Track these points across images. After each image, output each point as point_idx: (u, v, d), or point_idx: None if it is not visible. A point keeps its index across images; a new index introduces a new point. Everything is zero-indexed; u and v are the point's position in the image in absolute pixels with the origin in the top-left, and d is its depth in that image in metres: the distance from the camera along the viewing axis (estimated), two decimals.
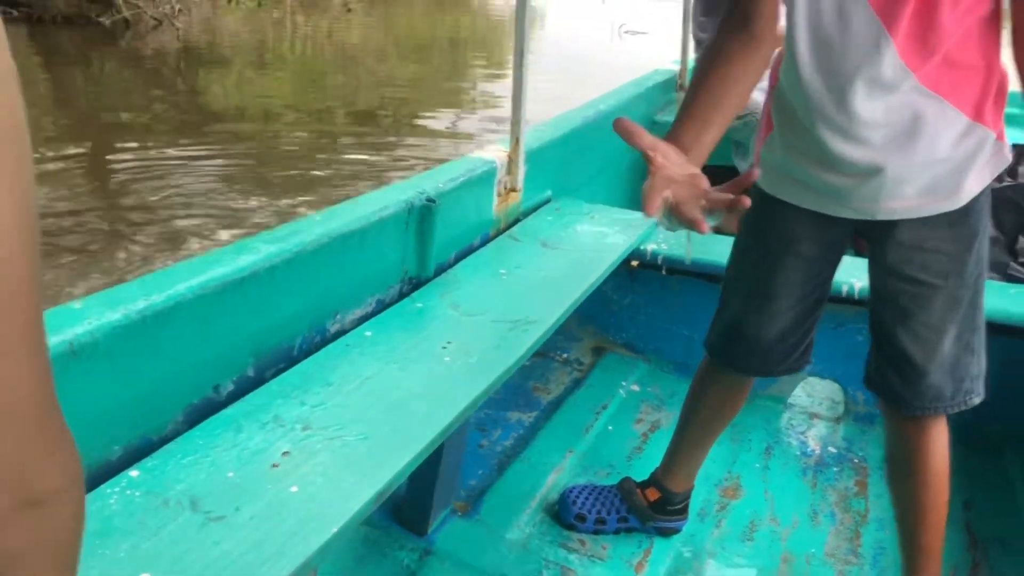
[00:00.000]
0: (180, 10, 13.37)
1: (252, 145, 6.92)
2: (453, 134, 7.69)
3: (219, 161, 6.31)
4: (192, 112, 8.21)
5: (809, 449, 2.26)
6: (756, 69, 1.22)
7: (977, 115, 1.26)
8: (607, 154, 3.04)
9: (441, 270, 1.98)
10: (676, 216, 1.07)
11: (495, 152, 2.22)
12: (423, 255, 1.90)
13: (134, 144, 6.62)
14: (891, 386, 1.47)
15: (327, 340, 1.65)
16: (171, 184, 5.64)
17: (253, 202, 5.48)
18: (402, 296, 1.85)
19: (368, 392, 1.43)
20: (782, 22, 1.32)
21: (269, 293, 1.50)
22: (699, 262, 2.34)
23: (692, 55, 3.84)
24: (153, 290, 1.28)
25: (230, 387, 1.44)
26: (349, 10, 17.00)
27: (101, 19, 12.48)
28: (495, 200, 2.21)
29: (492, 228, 2.22)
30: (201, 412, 1.38)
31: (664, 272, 2.45)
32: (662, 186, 1.05)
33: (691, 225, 1.06)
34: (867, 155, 1.27)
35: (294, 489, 1.18)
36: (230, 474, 1.20)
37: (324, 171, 6.28)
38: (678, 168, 1.07)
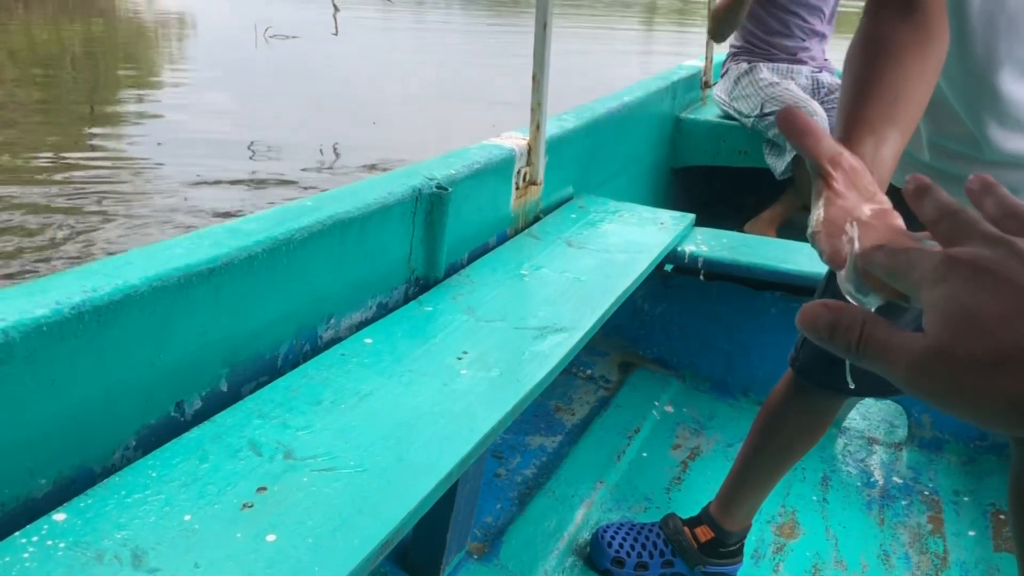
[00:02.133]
0: None
1: None
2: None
3: None
4: None
5: (871, 479, 1.97)
6: (934, 72, 0.86)
7: None
8: (631, 150, 2.77)
9: (453, 270, 1.70)
10: (870, 282, 0.52)
11: (513, 140, 1.95)
12: (432, 252, 1.63)
13: None
14: None
15: (319, 348, 1.37)
16: None
17: None
18: (408, 299, 1.58)
19: (367, 412, 1.15)
20: None
21: (249, 289, 1.23)
22: (742, 265, 2.07)
23: (717, 52, 3.60)
24: (96, 281, 1.01)
25: (197, 404, 1.17)
26: None
27: None
28: (513, 194, 1.94)
29: (509, 225, 1.95)
30: (159, 435, 1.10)
31: (702, 277, 2.18)
32: (842, 220, 0.56)
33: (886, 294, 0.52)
34: None
35: (271, 538, 0.90)
36: (187, 517, 0.92)
37: None
38: (862, 200, 0.60)
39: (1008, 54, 0.99)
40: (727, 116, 3.24)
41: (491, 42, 13.34)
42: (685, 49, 10.57)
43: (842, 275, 0.52)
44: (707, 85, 3.52)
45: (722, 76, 3.32)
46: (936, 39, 0.84)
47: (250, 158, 5.65)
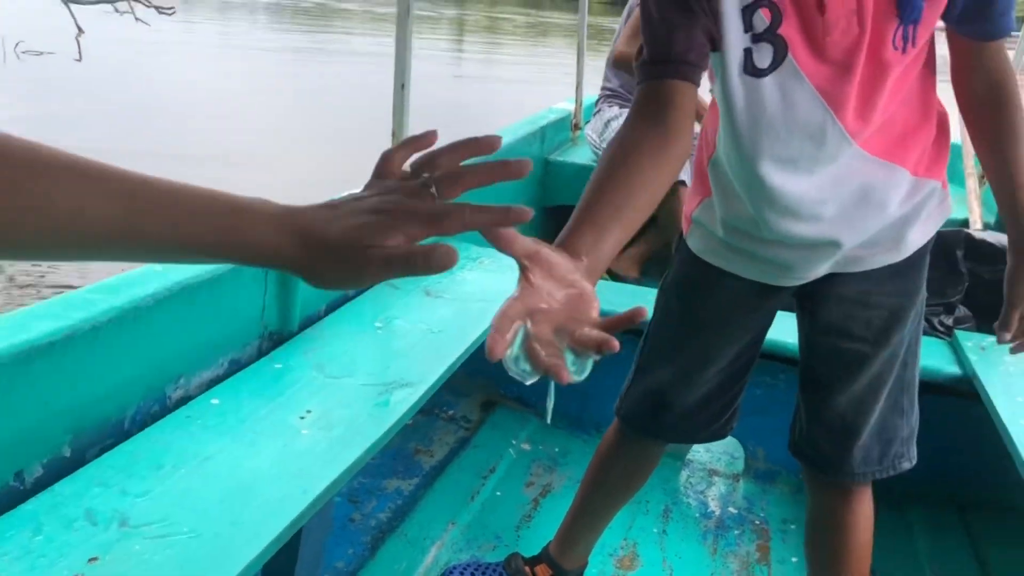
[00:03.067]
0: None
1: None
2: None
3: None
4: None
5: (709, 510, 2.13)
6: (669, 173, 0.98)
7: (921, 169, 1.20)
8: (500, 194, 2.88)
9: (309, 323, 1.77)
10: (533, 357, 0.68)
11: None
12: (286, 307, 1.69)
13: None
14: (820, 451, 1.40)
15: (168, 409, 1.42)
16: None
17: None
18: (261, 354, 1.64)
19: (206, 475, 1.22)
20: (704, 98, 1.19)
21: (94, 357, 1.27)
22: None
23: (587, 94, 3.76)
24: None
25: (38, 472, 1.21)
26: None
27: None
28: None
29: None
30: None
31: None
32: (519, 315, 0.69)
33: (548, 371, 0.67)
34: (819, 230, 1.19)
35: None
36: None
37: None
38: (558, 288, 0.73)
39: (770, 151, 1.13)
40: (597, 156, 3.40)
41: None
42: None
43: (507, 356, 0.67)
44: (577, 128, 3.68)
45: (594, 115, 3.46)
46: (677, 144, 0.99)
47: None
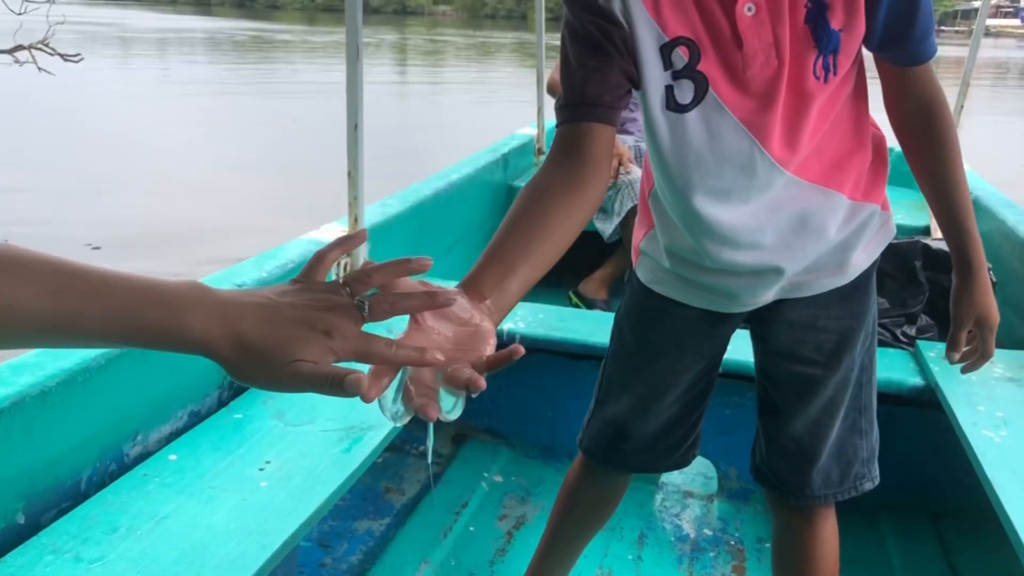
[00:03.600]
0: None
1: None
2: None
3: None
4: None
5: (684, 533, 2.13)
6: (580, 214, 0.98)
7: (858, 193, 1.21)
8: (462, 225, 2.90)
9: None
10: (406, 398, 0.69)
11: (331, 232, 2.04)
12: None
13: None
14: (780, 476, 1.41)
15: (126, 467, 1.41)
16: None
17: None
18: (221, 404, 1.63)
19: (162, 536, 1.20)
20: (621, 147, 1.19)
21: (44, 421, 1.26)
22: (557, 340, 2.20)
23: (548, 119, 3.78)
24: None
25: None
26: None
27: None
28: None
29: None
30: None
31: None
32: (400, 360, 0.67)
33: (418, 411, 0.68)
34: (758, 257, 1.20)
35: None
36: None
37: None
38: (450, 327, 0.75)
39: (701, 183, 1.14)
40: None
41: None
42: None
43: (381, 398, 0.68)
44: (540, 152, 3.70)
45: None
46: (590, 186, 0.99)
47: None
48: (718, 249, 1.20)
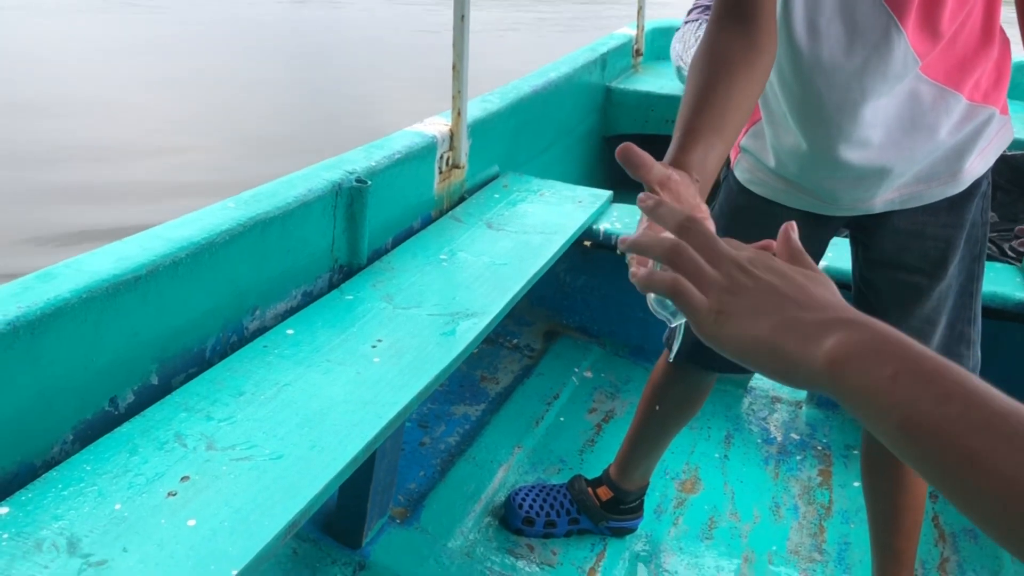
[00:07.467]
0: None
1: None
2: None
3: None
4: None
5: (771, 436, 2.15)
6: (760, 81, 0.97)
7: (978, 95, 1.18)
8: (559, 125, 2.88)
9: (377, 256, 1.82)
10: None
11: (436, 126, 2.06)
12: (355, 241, 1.74)
13: None
14: None
15: (245, 340, 1.49)
16: None
17: None
18: (332, 286, 1.70)
19: (284, 402, 1.28)
20: None
21: (175, 291, 1.34)
22: None
23: (649, 20, 3.69)
24: (29, 297, 1.12)
25: (130, 398, 1.29)
26: None
27: None
28: (436, 178, 2.05)
29: (434, 208, 2.07)
30: (96, 429, 1.22)
31: (618, 252, 2.32)
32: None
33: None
34: (867, 156, 1.18)
35: (191, 523, 1.03)
36: (117, 506, 1.05)
37: None
38: (689, 207, 0.76)
39: (831, 59, 1.12)
40: (680, 71, 3.27)
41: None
42: None
43: (651, 296, 0.66)
44: (639, 53, 3.62)
45: (685, 25, 3.29)
46: (765, 54, 0.98)
47: None
48: (827, 140, 1.17)
